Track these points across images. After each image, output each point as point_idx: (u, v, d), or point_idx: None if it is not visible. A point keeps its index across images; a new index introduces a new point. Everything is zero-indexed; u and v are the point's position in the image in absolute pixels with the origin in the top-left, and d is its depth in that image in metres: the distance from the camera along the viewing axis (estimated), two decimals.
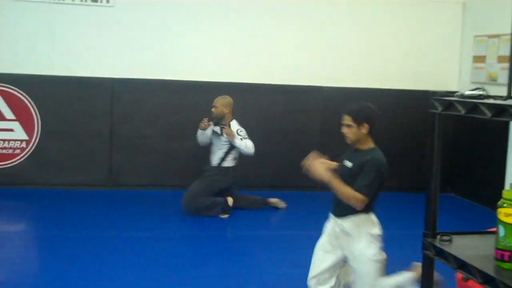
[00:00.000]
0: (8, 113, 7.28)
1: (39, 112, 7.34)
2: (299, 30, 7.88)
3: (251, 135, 6.73)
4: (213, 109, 6.72)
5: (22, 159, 7.35)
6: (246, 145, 6.56)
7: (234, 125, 6.71)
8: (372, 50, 7.99)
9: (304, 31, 7.87)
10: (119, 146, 7.57)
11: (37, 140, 7.37)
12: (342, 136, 3.98)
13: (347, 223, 3.91)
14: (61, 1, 7.29)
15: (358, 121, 3.91)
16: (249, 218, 6.69)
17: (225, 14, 7.72)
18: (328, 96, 7.85)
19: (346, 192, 3.81)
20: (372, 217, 3.97)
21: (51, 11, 7.29)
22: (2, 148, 7.30)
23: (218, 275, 4.96)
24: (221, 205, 6.60)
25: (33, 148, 7.36)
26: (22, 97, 7.29)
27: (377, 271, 3.91)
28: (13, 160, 7.35)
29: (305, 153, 4.00)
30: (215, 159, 6.78)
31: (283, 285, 4.77)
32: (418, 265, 3.88)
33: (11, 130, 7.30)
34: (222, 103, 6.71)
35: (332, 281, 4.01)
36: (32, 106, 7.32)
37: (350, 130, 3.94)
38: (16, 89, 7.27)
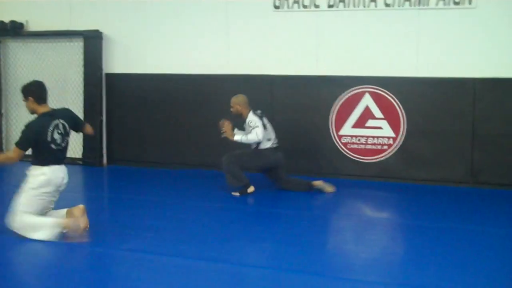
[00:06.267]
0: (377, 112, 8.07)
1: (404, 112, 7.96)
2: None
3: None
4: (231, 109, 7.41)
5: (389, 154, 8.05)
6: (247, 138, 7.23)
7: (250, 117, 7.34)
8: None
9: None
10: (480, 145, 7.74)
11: (402, 138, 7.99)
12: None
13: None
14: (425, 7, 7.79)
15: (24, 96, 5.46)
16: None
17: None
18: None
19: None
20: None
21: (418, 16, 7.84)
22: (372, 144, 8.13)
23: None
24: (242, 185, 7.31)
25: (399, 145, 8.01)
26: (390, 98, 8.00)
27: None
28: (381, 155, 8.11)
29: None
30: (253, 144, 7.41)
31: None
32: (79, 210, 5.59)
33: (380, 127, 8.08)
34: (235, 102, 7.41)
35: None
36: (399, 106, 7.97)
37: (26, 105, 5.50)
38: (384, 90, 8.01)
